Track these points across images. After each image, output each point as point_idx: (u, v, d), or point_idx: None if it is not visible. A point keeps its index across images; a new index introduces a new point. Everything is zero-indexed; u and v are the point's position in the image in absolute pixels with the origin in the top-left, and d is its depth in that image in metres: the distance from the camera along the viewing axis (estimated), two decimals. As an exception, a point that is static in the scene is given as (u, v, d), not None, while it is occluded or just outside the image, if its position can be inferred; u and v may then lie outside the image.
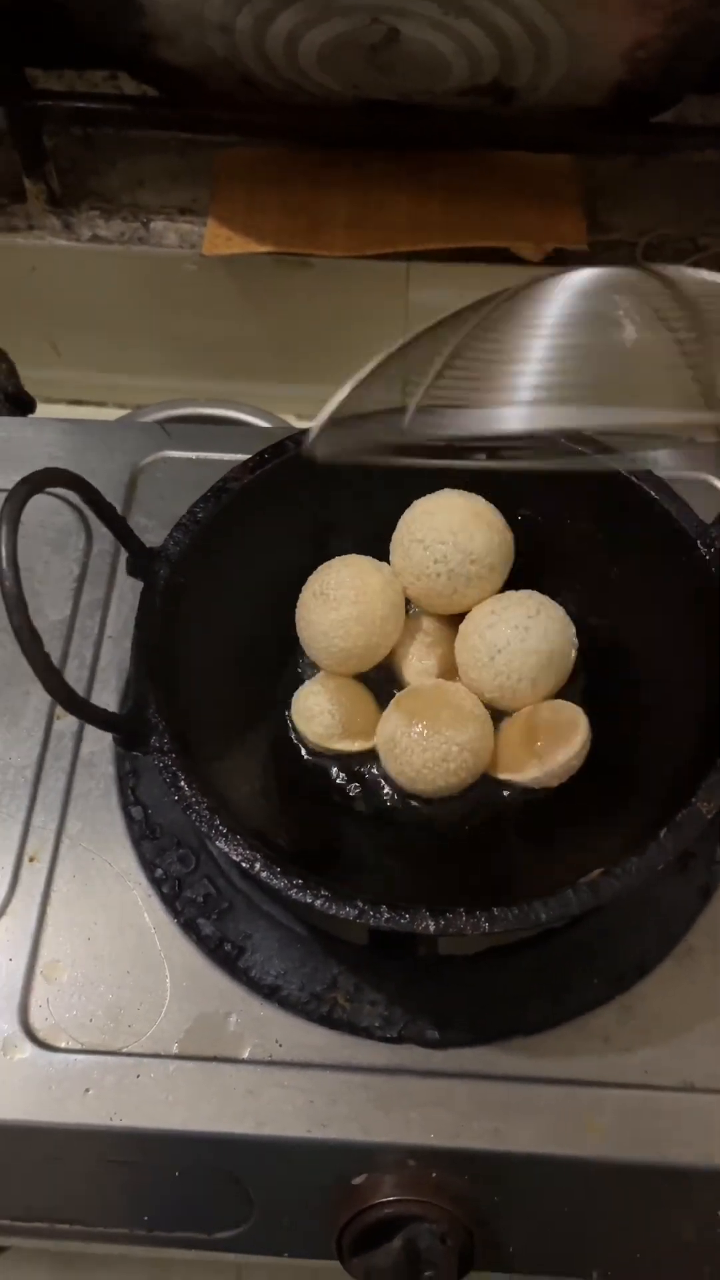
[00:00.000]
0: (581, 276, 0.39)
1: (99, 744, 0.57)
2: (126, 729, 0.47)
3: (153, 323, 0.95)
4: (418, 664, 0.55)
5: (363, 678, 0.56)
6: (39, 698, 0.59)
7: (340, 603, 0.52)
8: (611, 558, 0.55)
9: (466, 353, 0.39)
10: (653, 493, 0.52)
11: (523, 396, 0.36)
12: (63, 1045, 0.50)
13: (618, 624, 0.55)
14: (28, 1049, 0.49)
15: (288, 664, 0.57)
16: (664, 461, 0.42)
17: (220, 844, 0.44)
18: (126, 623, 0.61)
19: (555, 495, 0.55)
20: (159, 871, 0.54)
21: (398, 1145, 0.47)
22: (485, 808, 0.53)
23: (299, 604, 0.55)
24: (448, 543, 0.53)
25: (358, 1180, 0.48)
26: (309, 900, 0.42)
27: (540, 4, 0.66)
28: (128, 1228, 0.52)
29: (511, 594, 0.54)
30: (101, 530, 0.64)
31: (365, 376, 0.39)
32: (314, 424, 0.40)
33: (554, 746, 0.52)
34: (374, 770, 0.54)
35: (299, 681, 0.56)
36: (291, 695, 0.55)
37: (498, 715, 0.54)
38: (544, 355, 0.37)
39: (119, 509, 0.53)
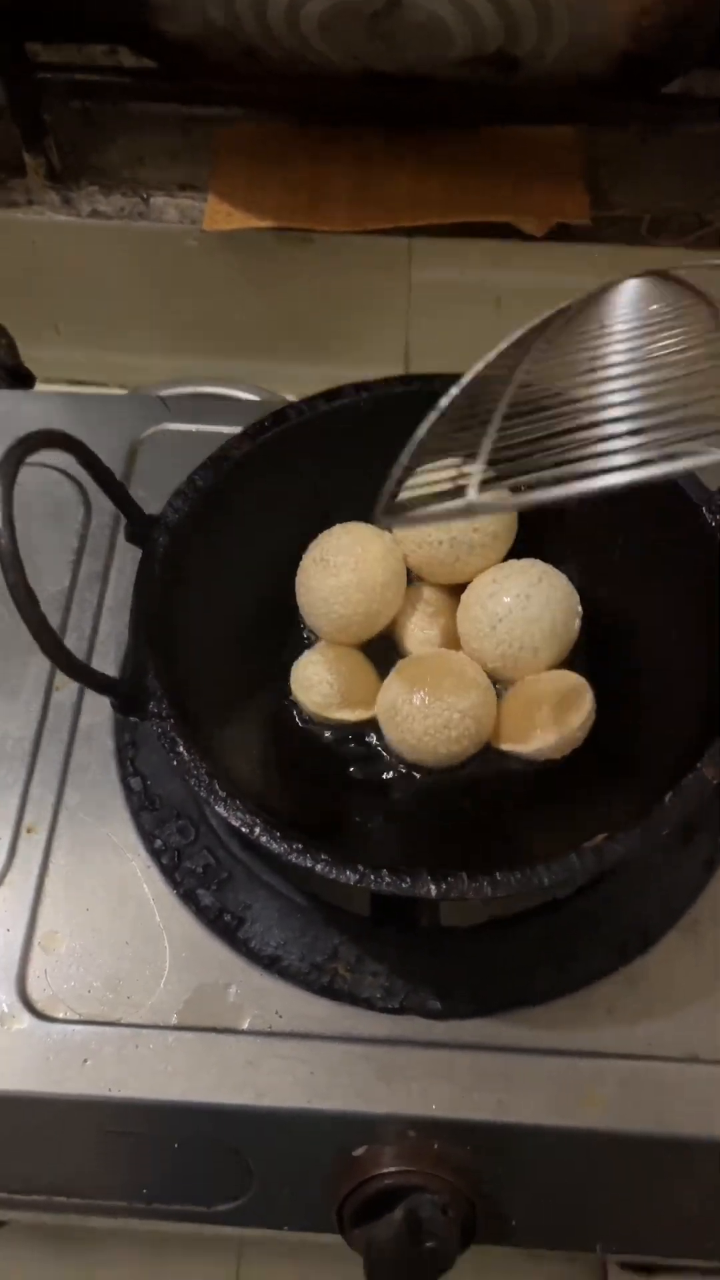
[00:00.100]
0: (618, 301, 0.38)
1: (98, 715, 0.57)
2: (124, 693, 0.47)
3: (153, 300, 0.94)
4: (419, 634, 0.55)
5: (364, 649, 0.55)
6: (38, 669, 0.58)
7: (340, 569, 0.52)
8: (615, 526, 0.54)
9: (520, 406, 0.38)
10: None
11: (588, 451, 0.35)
12: (61, 1016, 0.49)
13: (622, 594, 0.55)
14: (26, 1019, 0.49)
15: (289, 634, 0.56)
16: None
17: (219, 809, 0.43)
18: (125, 595, 0.60)
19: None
20: (158, 842, 0.53)
21: (399, 1116, 0.47)
22: (488, 780, 0.52)
23: (299, 571, 0.54)
24: (450, 510, 0.52)
25: (359, 1151, 0.47)
26: (309, 864, 0.42)
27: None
28: (126, 1200, 0.51)
29: (514, 563, 0.54)
30: (100, 503, 0.64)
31: (421, 439, 0.39)
32: (380, 500, 0.39)
33: (558, 717, 0.51)
34: (375, 741, 0.53)
35: (300, 651, 0.55)
36: (293, 665, 0.55)
37: (501, 686, 0.53)
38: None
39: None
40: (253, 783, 0.47)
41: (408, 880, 0.42)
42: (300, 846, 0.42)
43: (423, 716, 0.49)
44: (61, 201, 0.91)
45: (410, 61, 0.76)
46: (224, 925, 0.51)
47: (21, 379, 0.77)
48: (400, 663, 0.53)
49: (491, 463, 0.36)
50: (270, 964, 0.50)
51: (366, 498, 0.56)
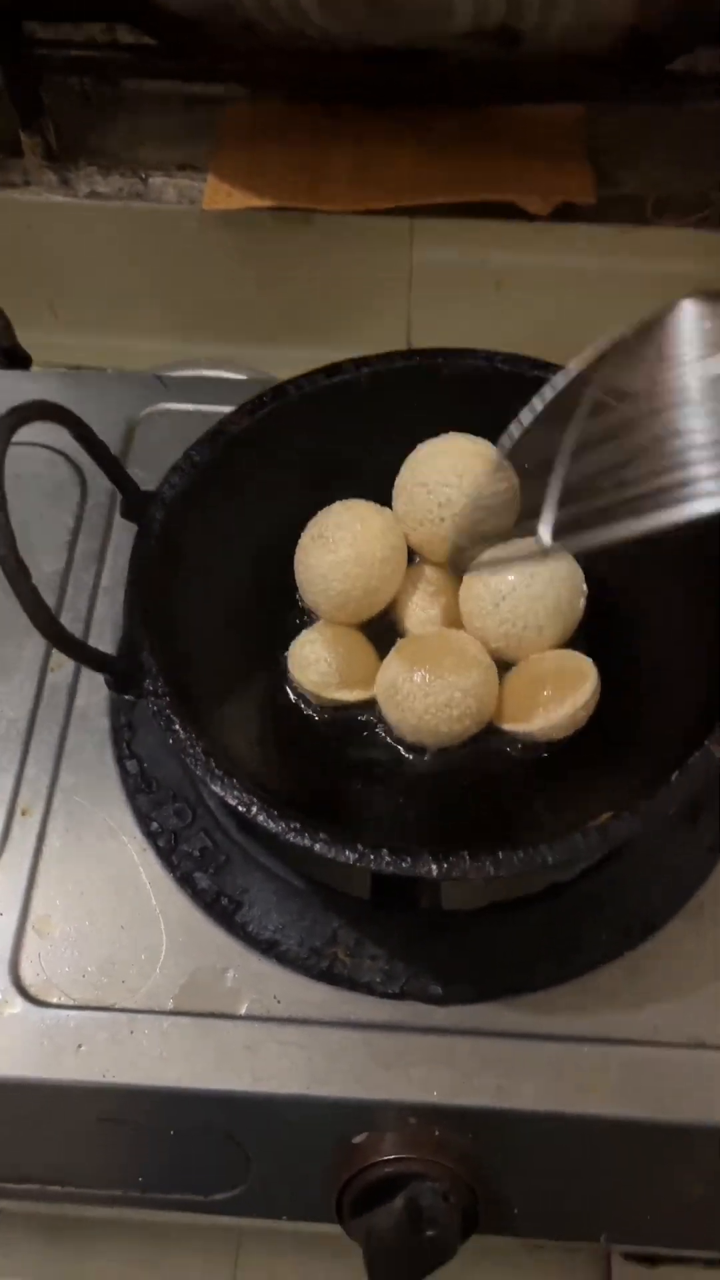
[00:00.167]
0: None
1: (94, 696, 0.56)
2: (119, 669, 0.46)
3: (151, 282, 0.93)
4: (420, 614, 0.54)
5: (365, 630, 0.54)
6: (33, 650, 0.58)
7: (338, 545, 0.51)
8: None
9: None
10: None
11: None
12: (54, 1001, 0.48)
13: (626, 573, 0.54)
14: (19, 1004, 0.48)
15: (287, 613, 0.55)
16: None
17: (215, 787, 0.42)
18: (122, 576, 0.59)
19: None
20: (154, 825, 0.52)
21: (399, 1103, 0.46)
22: (490, 760, 0.51)
23: (298, 548, 0.53)
24: (452, 485, 0.51)
25: (358, 1139, 0.46)
26: (307, 843, 0.41)
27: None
28: (122, 1189, 0.51)
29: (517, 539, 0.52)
30: (97, 483, 0.63)
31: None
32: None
33: (562, 697, 0.50)
34: (375, 721, 0.52)
35: (299, 631, 0.54)
36: (290, 645, 0.54)
37: (504, 666, 0.52)
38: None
39: (114, 463, 0.52)
40: (250, 762, 0.46)
41: (408, 860, 0.41)
42: (298, 825, 0.41)
43: (423, 695, 0.48)
44: (59, 182, 0.90)
45: (411, 36, 0.75)
46: (221, 909, 0.50)
47: (18, 361, 0.76)
48: (400, 642, 0.52)
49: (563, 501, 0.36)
50: (268, 948, 0.49)
51: (366, 474, 0.55)
